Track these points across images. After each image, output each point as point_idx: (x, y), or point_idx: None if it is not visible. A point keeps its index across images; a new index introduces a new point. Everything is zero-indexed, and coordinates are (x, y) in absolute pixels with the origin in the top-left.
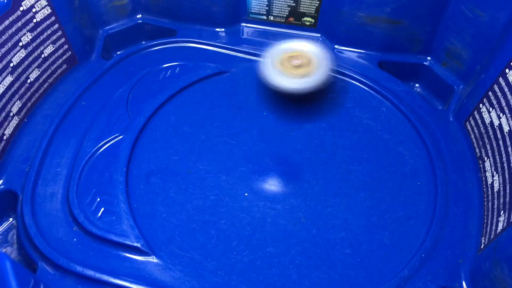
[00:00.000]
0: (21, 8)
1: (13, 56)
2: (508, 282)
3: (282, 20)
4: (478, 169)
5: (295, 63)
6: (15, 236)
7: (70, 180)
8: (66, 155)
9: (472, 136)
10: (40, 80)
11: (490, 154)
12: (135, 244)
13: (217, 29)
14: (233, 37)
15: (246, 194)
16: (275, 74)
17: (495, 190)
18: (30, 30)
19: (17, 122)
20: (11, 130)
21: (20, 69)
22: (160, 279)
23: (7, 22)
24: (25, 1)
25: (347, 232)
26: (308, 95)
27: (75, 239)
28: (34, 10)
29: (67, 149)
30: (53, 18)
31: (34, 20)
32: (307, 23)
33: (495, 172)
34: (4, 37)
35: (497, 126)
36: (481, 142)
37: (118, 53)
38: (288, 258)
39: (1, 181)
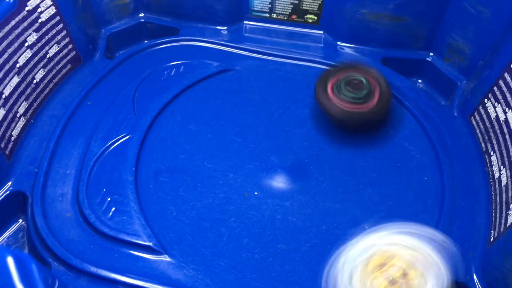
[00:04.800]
0: (26, 8)
1: (19, 56)
2: None
3: (285, 18)
4: (483, 163)
5: (388, 275)
6: (25, 237)
7: (79, 181)
8: (74, 155)
9: (478, 131)
10: (46, 80)
11: (496, 149)
12: (147, 243)
13: (220, 27)
14: (235, 35)
15: (256, 192)
16: None
17: (502, 184)
18: (36, 30)
19: (24, 123)
20: (18, 131)
21: (26, 70)
22: (174, 277)
23: (13, 22)
24: (31, 1)
25: (357, 228)
26: None
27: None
28: (39, 10)
29: (75, 149)
30: (57, 17)
31: (40, 20)
32: (310, 21)
33: (502, 166)
34: (10, 37)
35: (503, 120)
36: (486, 137)
37: (121, 52)
38: (299, 255)
39: (10, 182)
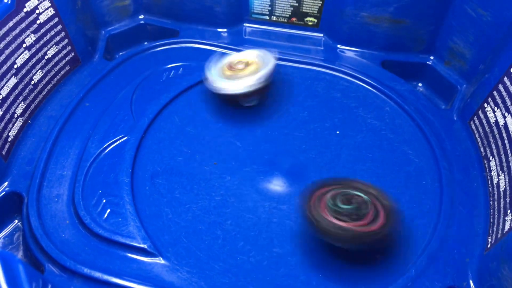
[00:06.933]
0: (24, 10)
1: (17, 57)
2: None
3: (285, 20)
4: (483, 169)
5: (239, 67)
6: (21, 238)
7: (75, 182)
8: (71, 156)
9: (477, 136)
10: (44, 82)
11: (495, 154)
12: (142, 245)
13: (220, 30)
14: (235, 38)
15: (252, 194)
16: (221, 80)
17: (501, 190)
18: (34, 32)
19: (21, 123)
20: (16, 131)
21: (24, 71)
22: (168, 280)
23: (11, 24)
24: (29, 2)
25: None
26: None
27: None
28: (37, 11)
29: (72, 150)
30: (56, 19)
31: (38, 22)
32: (310, 23)
33: (500, 172)
34: (8, 39)
35: (502, 125)
36: (486, 142)
37: (120, 54)
38: (294, 258)
39: (6, 183)
